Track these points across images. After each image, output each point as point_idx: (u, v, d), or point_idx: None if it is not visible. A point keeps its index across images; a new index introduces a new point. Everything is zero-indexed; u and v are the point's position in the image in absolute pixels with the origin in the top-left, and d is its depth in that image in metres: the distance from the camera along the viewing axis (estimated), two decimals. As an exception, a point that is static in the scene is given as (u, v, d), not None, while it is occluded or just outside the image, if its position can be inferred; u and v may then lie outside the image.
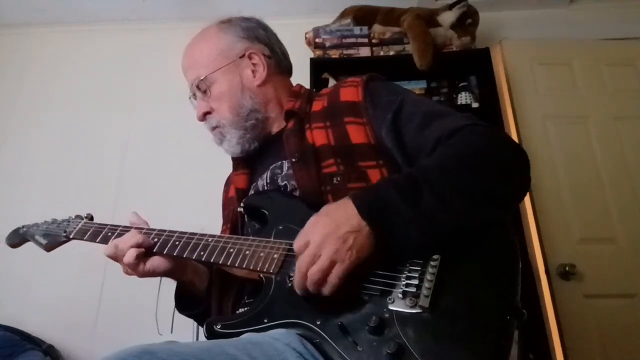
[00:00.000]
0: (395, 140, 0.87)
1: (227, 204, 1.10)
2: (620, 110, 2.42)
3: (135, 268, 0.90)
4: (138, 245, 0.88)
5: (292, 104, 1.01)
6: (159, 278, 1.00)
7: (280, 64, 1.10)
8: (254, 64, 1.04)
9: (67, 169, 2.60)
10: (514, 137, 2.29)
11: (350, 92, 0.96)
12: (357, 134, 0.90)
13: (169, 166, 2.56)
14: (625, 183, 2.28)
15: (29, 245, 1.18)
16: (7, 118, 2.76)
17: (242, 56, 1.04)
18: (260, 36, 1.08)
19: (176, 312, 1.03)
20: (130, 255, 0.87)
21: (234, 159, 1.10)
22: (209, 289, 0.99)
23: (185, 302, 1.01)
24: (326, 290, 0.68)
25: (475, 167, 0.74)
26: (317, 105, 1.00)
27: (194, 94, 1.06)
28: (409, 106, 0.89)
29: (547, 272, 2.11)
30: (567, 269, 2.07)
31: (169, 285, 1.02)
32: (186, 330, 1.75)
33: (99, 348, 2.20)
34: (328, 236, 0.68)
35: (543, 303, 2.06)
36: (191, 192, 2.46)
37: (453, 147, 0.78)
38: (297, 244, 0.72)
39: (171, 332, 1.77)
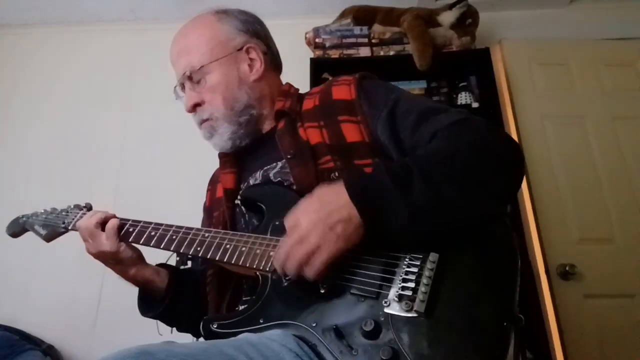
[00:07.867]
0: (391, 137, 0.87)
1: (216, 205, 1.07)
2: (619, 111, 2.42)
3: (96, 238, 0.95)
4: (103, 220, 0.94)
5: (282, 104, 1.00)
6: None
7: (274, 61, 1.09)
8: (251, 59, 1.03)
9: (66, 168, 2.60)
10: (514, 137, 2.29)
11: (343, 90, 0.96)
12: (352, 133, 0.90)
13: (167, 164, 2.56)
14: (623, 183, 2.28)
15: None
16: (5, 117, 2.76)
17: (240, 49, 1.02)
18: (257, 31, 1.07)
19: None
20: (92, 222, 0.95)
21: (221, 157, 1.07)
22: (168, 289, 0.99)
23: (147, 304, 1.01)
24: (308, 272, 0.69)
25: (467, 158, 0.74)
26: (308, 104, 0.99)
27: (182, 84, 1.03)
28: (404, 103, 0.89)
29: (547, 272, 2.11)
30: (566, 269, 2.07)
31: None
32: (185, 330, 1.74)
33: (98, 348, 2.20)
34: (318, 222, 0.69)
35: (543, 303, 2.06)
36: (189, 190, 2.45)
37: (447, 139, 0.78)
38: (287, 224, 0.73)
39: (171, 332, 1.77)
